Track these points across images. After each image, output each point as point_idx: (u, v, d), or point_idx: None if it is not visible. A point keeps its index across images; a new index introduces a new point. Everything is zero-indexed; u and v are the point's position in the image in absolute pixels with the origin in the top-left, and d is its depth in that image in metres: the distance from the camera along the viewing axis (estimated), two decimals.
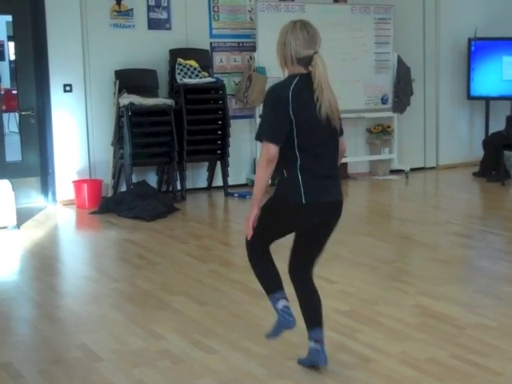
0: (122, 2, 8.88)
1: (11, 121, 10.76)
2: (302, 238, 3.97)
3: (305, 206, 3.84)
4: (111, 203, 8.29)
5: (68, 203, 8.67)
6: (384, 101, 10.31)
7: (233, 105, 9.51)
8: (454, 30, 10.84)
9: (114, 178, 8.82)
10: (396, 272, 5.92)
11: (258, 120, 9.44)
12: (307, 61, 3.84)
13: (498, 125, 10.48)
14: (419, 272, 5.93)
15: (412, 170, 10.44)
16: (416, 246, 6.83)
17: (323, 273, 5.79)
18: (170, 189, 8.99)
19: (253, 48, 9.53)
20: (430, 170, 10.91)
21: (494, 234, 7.25)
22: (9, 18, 8.82)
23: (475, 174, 10.20)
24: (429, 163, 10.99)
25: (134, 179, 8.68)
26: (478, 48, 10.68)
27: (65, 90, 8.65)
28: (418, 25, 10.81)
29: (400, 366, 4.03)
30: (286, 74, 3.92)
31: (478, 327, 4.56)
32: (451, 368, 4.01)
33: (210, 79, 9.10)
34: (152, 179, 9.10)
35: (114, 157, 8.79)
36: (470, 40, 10.70)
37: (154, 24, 9.09)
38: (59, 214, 8.43)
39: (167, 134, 8.69)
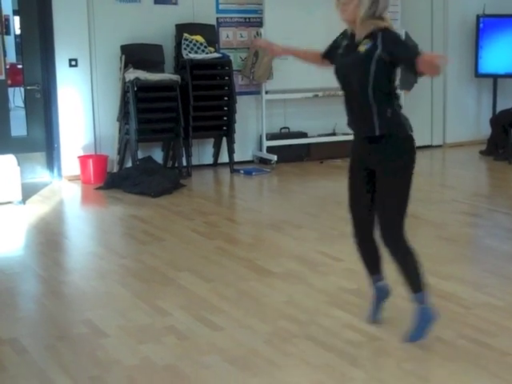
0: None
1: (16, 95, 10.74)
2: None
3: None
4: (117, 179, 8.27)
5: (73, 178, 8.65)
6: None
7: (239, 81, 9.45)
8: (463, 6, 10.74)
9: (119, 153, 8.79)
10: None
11: (265, 96, 9.45)
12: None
13: (505, 103, 10.41)
14: (426, 251, 5.86)
15: (419, 147, 10.27)
16: (423, 225, 6.79)
17: (330, 251, 5.80)
18: (176, 165, 8.96)
19: (259, 24, 9.46)
20: (436, 148, 10.85)
21: (501, 213, 7.21)
22: None
23: (482, 153, 10.14)
24: (436, 141, 10.93)
25: (140, 155, 8.63)
26: (487, 25, 10.58)
27: (70, 65, 8.61)
28: (426, 1, 10.71)
29: (407, 345, 4.00)
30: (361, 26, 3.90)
31: (485, 307, 4.53)
32: (458, 347, 3.99)
33: (216, 55, 9.04)
34: (158, 155, 9.06)
35: (119, 132, 8.76)
36: (478, 17, 10.59)
37: None
38: (64, 189, 8.42)
39: (173, 109, 8.65)
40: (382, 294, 4.31)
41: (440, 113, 10.82)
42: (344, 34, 4.11)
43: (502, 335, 4.14)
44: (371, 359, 3.86)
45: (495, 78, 10.70)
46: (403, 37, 3.94)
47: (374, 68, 3.84)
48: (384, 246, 4.04)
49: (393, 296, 4.78)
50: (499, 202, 7.76)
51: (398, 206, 3.98)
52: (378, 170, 3.98)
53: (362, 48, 3.88)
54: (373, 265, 4.24)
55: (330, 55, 4.25)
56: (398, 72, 3.97)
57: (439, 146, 10.90)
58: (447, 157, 10.46)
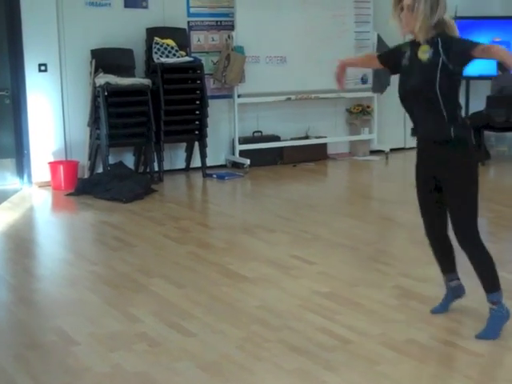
0: None
1: None
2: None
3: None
4: (88, 185, 8.20)
5: (44, 185, 8.57)
6: (364, 81, 10.25)
7: (211, 84, 9.41)
8: None
9: (90, 159, 8.72)
10: (376, 253, 5.88)
11: (237, 99, 9.42)
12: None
13: (478, 104, 10.44)
14: (399, 253, 5.90)
15: (392, 150, 10.41)
16: (396, 227, 6.81)
17: (302, 254, 5.77)
18: (148, 170, 8.91)
19: (231, 27, 9.43)
20: (409, 150, 10.86)
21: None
22: None
23: None
24: (409, 143, 10.93)
25: (111, 160, 8.58)
26: (459, 27, 10.43)
27: (40, 70, 8.53)
28: None
29: (380, 348, 3.99)
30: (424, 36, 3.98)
31: (458, 308, 4.53)
32: (431, 349, 3.99)
33: (187, 58, 9.00)
34: (129, 160, 9.00)
35: (90, 137, 8.69)
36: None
37: (130, 2, 8.95)
38: (35, 195, 8.33)
39: (144, 114, 8.60)
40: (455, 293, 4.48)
41: None
42: (405, 44, 4.20)
43: (474, 337, 4.12)
44: (344, 362, 3.84)
45: (468, 79, 10.73)
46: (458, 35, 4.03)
47: (439, 75, 3.93)
48: (461, 247, 4.15)
49: (363, 298, 4.77)
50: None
51: (472, 207, 4.09)
52: (448, 175, 4.08)
53: (424, 56, 3.97)
54: (447, 263, 4.41)
55: (388, 62, 4.35)
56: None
57: (412, 148, 10.85)
58: None
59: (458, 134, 4.03)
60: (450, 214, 4.14)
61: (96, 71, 8.55)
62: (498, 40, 10.21)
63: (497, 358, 3.96)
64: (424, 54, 3.97)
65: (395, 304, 4.68)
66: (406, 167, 10.39)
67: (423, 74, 3.98)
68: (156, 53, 8.78)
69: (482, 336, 4.09)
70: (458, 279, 4.45)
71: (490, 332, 4.11)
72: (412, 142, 10.79)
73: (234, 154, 9.61)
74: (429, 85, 3.96)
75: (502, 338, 4.10)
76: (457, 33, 4.05)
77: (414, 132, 4.27)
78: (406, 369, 3.78)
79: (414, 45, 4.08)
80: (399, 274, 5.25)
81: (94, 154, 8.70)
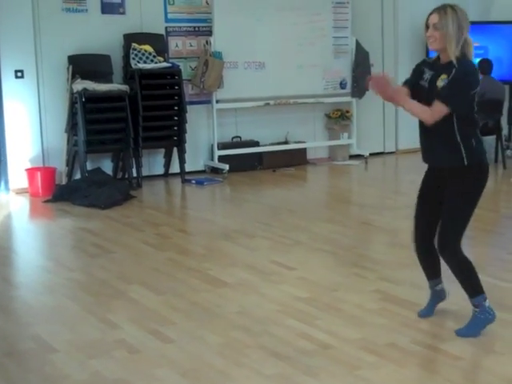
0: None
1: None
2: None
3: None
4: (65, 191, 8.15)
5: (21, 191, 8.51)
6: (343, 86, 10.27)
7: (189, 90, 9.40)
8: (413, 14, 10.79)
9: (68, 165, 8.67)
10: (356, 258, 5.88)
11: (216, 105, 9.42)
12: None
13: None
14: (379, 257, 5.89)
15: (371, 154, 10.42)
16: (376, 232, 6.81)
17: (282, 259, 5.76)
18: (126, 176, 8.87)
19: (209, 32, 9.41)
20: (389, 154, 10.91)
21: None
22: None
23: None
24: (388, 148, 10.99)
25: (89, 166, 8.55)
26: None
27: (16, 76, 8.48)
28: (377, 9, 10.79)
29: (360, 352, 3.98)
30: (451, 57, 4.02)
31: (438, 312, 4.53)
32: (411, 353, 3.97)
33: (165, 64, 8.98)
34: (107, 166, 8.96)
35: (67, 144, 8.65)
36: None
37: (107, 8, 8.93)
38: (12, 202, 8.27)
39: (122, 120, 8.56)
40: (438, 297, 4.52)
41: (392, 120, 10.86)
42: (424, 62, 4.24)
43: (454, 340, 4.12)
44: (324, 367, 3.82)
45: None
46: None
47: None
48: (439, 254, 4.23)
49: (343, 303, 4.77)
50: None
51: (463, 219, 4.18)
52: (451, 193, 4.15)
53: (440, 84, 4.01)
54: (433, 271, 4.46)
55: (412, 87, 4.27)
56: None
57: (392, 153, 10.95)
58: (400, 163, 10.51)
59: (471, 160, 4.07)
60: (442, 222, 4.16)
61: (73, 77, 8.50)
62: (476, 45, 10.26)
63: (478, 361, 3.96)
64: (441, 82, 4.03)
65: (375, 308, 4.67)
66: (386, 172, 10.44)
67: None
68: (134, 59, 8.76)
69: (461, 333, 4.13)
70: (442, 283, 4.47)
71: (471, 330, 4.14)
72: (391, 147, 10.90)
73: (212, 159, 9.58)
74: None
75: (483, 341, 4.11)
76: (472, 51, 4.13)
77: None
78: (387, 373, 3.76)
79: (436, 67, 4.11)
80: (379, 279, 5.25)
81: (72, 160, 8.65)
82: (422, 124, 4.14)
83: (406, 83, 4.29)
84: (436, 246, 4.21)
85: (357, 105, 10.42)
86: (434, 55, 4.24)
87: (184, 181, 9.09)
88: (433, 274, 4.44)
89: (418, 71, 4.25)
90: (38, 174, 8.39)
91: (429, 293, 4.50)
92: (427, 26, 4.08)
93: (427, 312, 4.48)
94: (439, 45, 4.03)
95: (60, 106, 8.63)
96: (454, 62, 4.00)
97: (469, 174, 4.08)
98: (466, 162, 4.05)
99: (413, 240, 4.41)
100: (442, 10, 4.02)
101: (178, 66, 9.13)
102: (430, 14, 4.08)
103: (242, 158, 9.61)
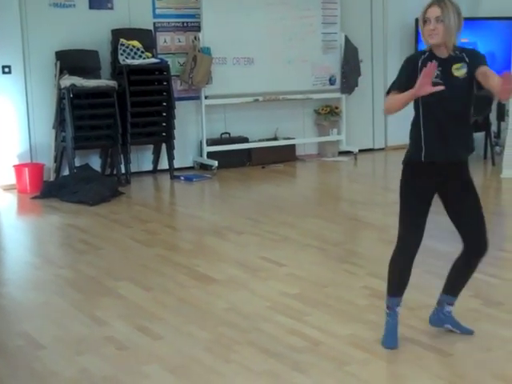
0: None
1: None
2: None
3: None
4: (54, 187, 8.12)
5: (9, 188, 8.48)
6: (332, 81, 10.26)
7: (178, 86, 9.37)
8: (402, 10, 10.80)
9: (56, 161, 8.64)
10: (345, 254, 5.87)
11: (205, 101, 9.39)
12: None
13: None
14: (368, 253, 5.89)
15: (361, 151, 10.42)
16: (365, 228, 6.80)
17: (271, 256, 5.75)
18: (114, 172, 8.85)
19: (197, 28, 9.38)
20: (378, 151, 10.91)
21: (443, 215, 7.19)
22: None
23: None
24: (377, 144, 10.99)
25: (77, 163, 8.52)
26: None
27: (3, 72, 8.44)
28: (366, 5, 10.78)
29: (349, 348, 3.97)
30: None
31: (427, 308, 4.50)
32: (401, 349, 3.96)
33: (153, 60, 8.95)
34: (95, 162, 8.93)
35: (55, 140, 8.61)
36: (417, 20, 10.67)
37: (95, 3, 8.89)
38: (0, 199, 8.21)
39: (110, 116, 8.53)
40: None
41: (381, 116, 10.84)
42: (417, 56, 3.95)
43: (444, 336, 4.12)
44: (314, 364, 3.81)
45: None
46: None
47: (474, 91, 3.92)
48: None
49: (337, 301, 4.76)
50: (439, 204, 7.76)
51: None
52: (456, 188, 4.20)
53: (459, 73, 3.85)
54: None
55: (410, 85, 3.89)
56: None
57: (381, 149, 10.95)
58: (389, 159, 10.50)
59: (472, 150, 4.05)
60: (472, 219, 4.28)
61: (61, 73, 8.47)
62: (464, 41, 10.27)
63: (467, 357, 3.95)
64: (459, 70, 3.84)
65: (364, 304, 4.66)
66: (375, 168, 10.43)
67: (461, 93, 3.90)
68: (122, 54, 8.72)
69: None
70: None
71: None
72: (381, 143, 10.89)
73: (201, 155, 9.56)
74: (465, 102, 3.95)
75: (473, 337, 4.11)
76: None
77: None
78: (376, 369, 3.77)
79: (440, 60, 3.84)
80: (368, 275, 5.24)
81: (60, 156, 8.61)
82: (444, 115, 3.91)
83: (401, 85, 3.93)
84: (476, 248, 4.24)
85: (346, 101, 10.42)
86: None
87: (173, 177, 9.06)
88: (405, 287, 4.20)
89: (412, 69, 3.90)
90: (26, 171, 8.35)
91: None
92: (425, 20, 3.83)
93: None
94: (442, 38, 3.80)
95: (48, 101, 8.59)
96: (457, 51, 3.85)
97: (467, 163, 4.05)
98: (473, 150, 4.01)
99: (409, 246, 4.26)
100: (441, 2, 3.81)
101: (167, 61, 9.10)
102: (428, 7, 3.83)
103: (230, 155, 9.59)
